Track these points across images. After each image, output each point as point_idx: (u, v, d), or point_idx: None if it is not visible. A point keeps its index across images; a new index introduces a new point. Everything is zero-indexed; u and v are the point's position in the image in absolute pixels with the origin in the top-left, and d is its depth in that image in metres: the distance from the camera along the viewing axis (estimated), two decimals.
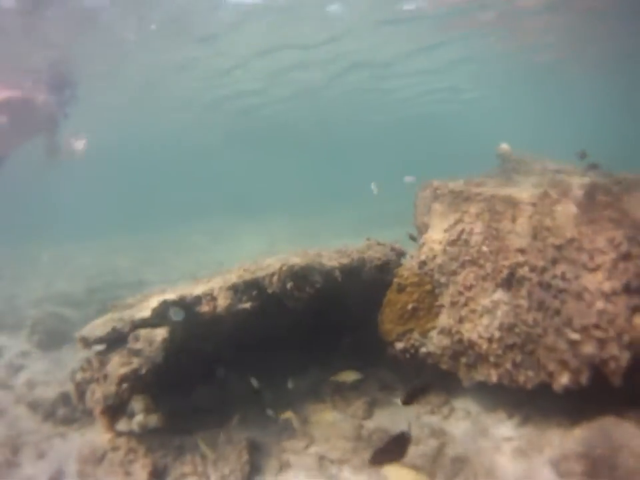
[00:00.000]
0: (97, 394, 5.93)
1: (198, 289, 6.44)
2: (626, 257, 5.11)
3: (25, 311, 13.77)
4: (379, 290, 6.68)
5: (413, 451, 6.02)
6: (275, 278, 6.32)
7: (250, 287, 6.42)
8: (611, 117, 51.89)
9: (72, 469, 6.19)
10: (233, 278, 6.46)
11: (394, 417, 6.58)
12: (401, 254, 7.18)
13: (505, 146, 8.57)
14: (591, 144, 9.02)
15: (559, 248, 5.38)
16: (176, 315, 6.04)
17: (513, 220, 5.82)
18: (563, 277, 5.32)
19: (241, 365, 6.98)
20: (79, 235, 33.44)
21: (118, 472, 5.72)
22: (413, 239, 7.55)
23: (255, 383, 6.38)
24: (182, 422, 6.54)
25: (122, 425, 6.33)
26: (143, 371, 5.92)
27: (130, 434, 6.16)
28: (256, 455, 6.18)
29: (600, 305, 5.06)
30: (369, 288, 6.71)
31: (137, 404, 6.69)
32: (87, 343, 6.18)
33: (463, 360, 6.05)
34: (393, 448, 4.71)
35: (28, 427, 7.41)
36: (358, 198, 39.50)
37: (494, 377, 5.78)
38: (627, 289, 5.08)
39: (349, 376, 6.23)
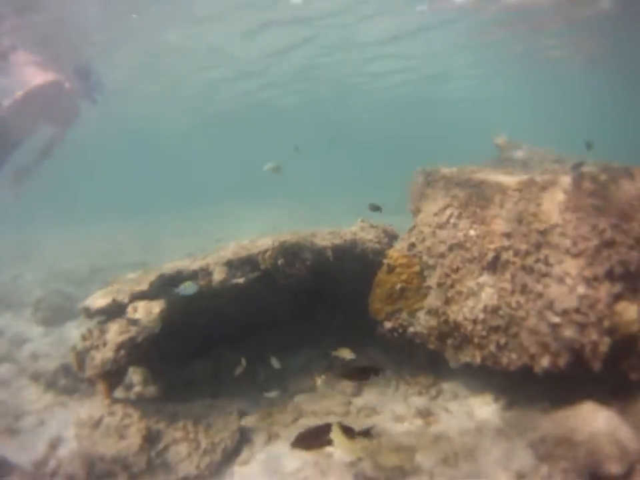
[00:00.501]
0: (96, 360, 6.04)
1: (194, 265, 6.57)
2: (609, 244, 5.14)
3: (30, 289, 14.08)
4: (371, 271, 6.75)
5: (397, 428, 6.11)
6: (268, 254, 6.45)
7: (244, 263, 6.58)
8: (613, 110, 50.94)
9: (71, 435, 6.33)
10: (228, 254, 6.61)
11: (382, 396, 6.67)
12: (393, 236, 7.26)
13: (502, 137, 8.57)
14: (593, 136, 8.97)
15: (542, 233, 5.40)
16: (188, 289, 6.12)
17: (500, 205, 5.84)
18: (546, 262, 5.34)
19: (236, 341, 7.08)
20: (86, 219, 33.97)
21: (113, 435, 5.83)
22: (374, 209, 7.54)
23: (243, 363, 6.45)
24: (177, 392, 6.69)
25: (120, 393, 6.58)
26: (140, 339, 6.06)
27: (126, 400, 6.39)
28: (245, 425, 6.31)
29: (581, 289, 5.08)
30: (361, 269, 6.80)
31: (135, 376, 6.90)
32: (88, 313, 6.38)
33: (450, 341, 6.10)
34: (320, 434, 4.67)
35: (30, 396, 7.62)
36: (363, 184, 39.49)
37: (478, 358, 5.82)
38: (610, 276, 5.11)
39: (346, 353, 6.29)
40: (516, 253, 5.58)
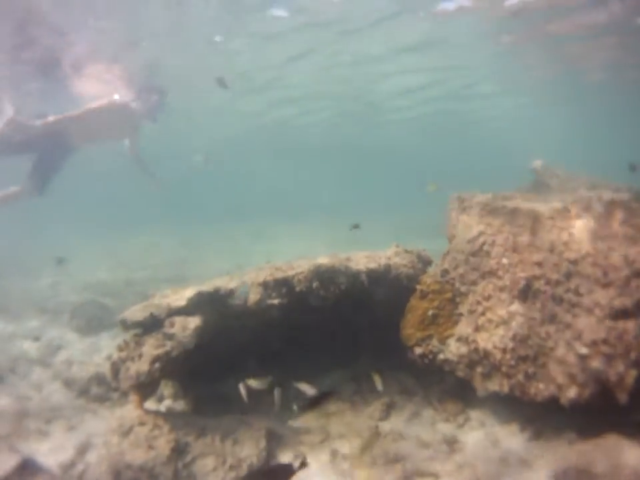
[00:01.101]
0: (131, 371, 6.19)
1: (232, 284, 6.70)
2: (639, 273, 5.03)
3: (67, 297, 14.43)
4: (405, 296, 6.74)
5: (422, 454, 6.03)
6: (303, 277, 6.57)
7: (280, 285, 6.70)
8: None
9: (99, 442, 6.43)
10: (264, 275, 6.70)
11: (409, 421, 6.60)
12: (427, 262, 7.24)
13: (538, 161, 8.49)
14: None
15: (573, 262, 5.33)
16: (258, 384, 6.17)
17: (533, 233, 5.79)
18: (576, 292, 5.27)
19: (269, 361, 7.11)
20: (130, 230, 34.71)
21: (142, 445, 5.92)
22: (354, 227, 7.55)
23: (277, 393, 6.45)
24: (207, 406, 6.76)
25: (151, 404, 6.66)
26: (174, 354, 6.20)
27: (157, 412, 6.49)
28: (273, 444, 6.30)
29: (609, 320, 4.99)
30: (394, 293, 6.79)
31: (167, 389, 6.99)
32: (126, 325, 6.53)
33: (479, 369, 6.03)
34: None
35: (62, 401, 7.75)
36: (403, 206, 39.09)
37: (506, 387, 5.74)
38: (639, 307, 4.99)
39: (306, 388, 6.21)
40: (547, 282, 5.52)
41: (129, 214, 54.60)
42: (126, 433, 6.07)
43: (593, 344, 5.05)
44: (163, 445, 5.90)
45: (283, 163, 63.44)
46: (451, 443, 6.15)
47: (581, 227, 5.44)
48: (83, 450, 6.48)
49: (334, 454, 6.12)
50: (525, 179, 8.62)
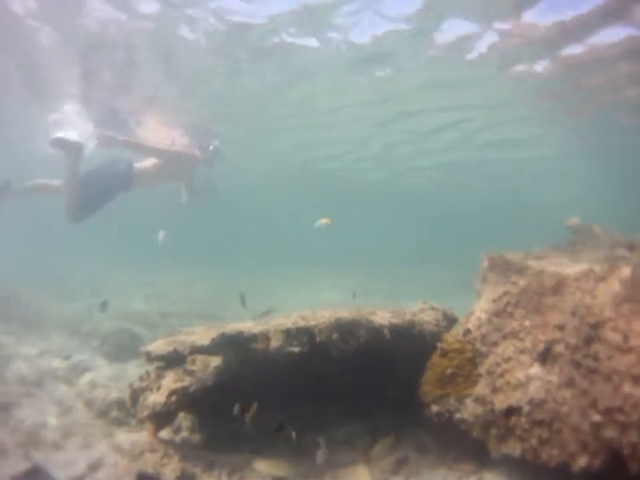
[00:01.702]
0: (148, 400, 6.40)
1: (256, 329, 6.77)
2: None
3: (101, 323, 14.57)
4: (427, 353, 6.58)
5: None
6: (323, 327, 6.53)
7: (301, 333, 6.70)
8: None
9: (112, 461, 6.40)
10: (288, 323, 6.76)
11: (420, 477, 6.34)
12: (452, 320, 7.10)
13: (574, 218, 8.27)
14: None
15: (594, 327, 5.13)
16: None
17: (557, 295, 5.63)
18: (595, 357, 5.05)
19: (286, 406, 7.02)
20: (173, 265, 35.03)
21: (151, 470, 5.92)
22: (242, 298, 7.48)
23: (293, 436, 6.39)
24: (219, 442, 6.72)
25: (166, 434, 6.77)
26: (192, 390, 6.36)
27: (170, 442, 6.56)
28: None
29: (627, 388, 4.75)
30: (417, 350, 6.64)
31: (185, 422, 7.02)
32: (149, 357, 6.76)
33: (493, 431, 5.79)
34: None
35: (81, 420, 7.79)
36: (443, 262, 38.02)
37: (518, 451, 5.48)
38: None
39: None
40: (567, 347, 5.32)
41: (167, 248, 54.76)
42: (137, 457, 6.14)
43: (608, 412, 4.81)
44: (169, 472, 5.90)
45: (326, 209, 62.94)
46: None
47: (604, 290, 5.27)
48: (94, 467, 6.39)
49: None
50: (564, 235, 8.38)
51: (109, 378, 9.73)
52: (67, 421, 7.66)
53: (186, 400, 6.34)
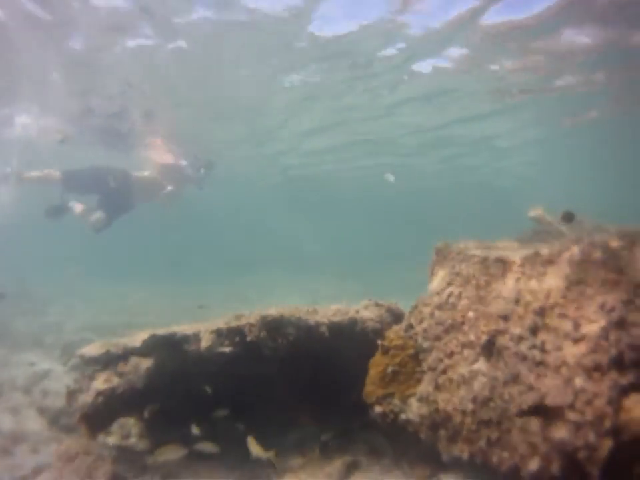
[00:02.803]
0: (79, 402, 5.68)
1: (189, 330, 5.81)
2: (619, 324, 3.74)
3: (65, 335, 14.08)
4: (372, 352, 5.60)
5: None
6: (252, 327, 5.56)
7: (233, 333, 5.69)
8: None
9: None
10: (220, 323, 5.77)
11: None
12: (398, 316, 5.93)
13: (537, 208, 7.20)
14: None
15: (540, 314, 4.14)
16: None
17: (502, 283, 4.70)
18: (542, 348, 4.08)
19: (234, 412, 6.08)
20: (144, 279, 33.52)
21: (83, 473, 5.27)
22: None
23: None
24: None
25: (113, 440, 6.22)
26: (120, 391, 5.55)
27: (106, 446, 5.87)
28: None
29: (578, 382, 3.80)
30: (362, 349, 5.64)
31: (134, 429, 6.23)
32: (83, 359, 5.92)
33: (442, 432, 4.80)
34: None
35: (33, 427, 7.26)
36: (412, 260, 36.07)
37: (466, 454, 4.49)
38: (618, 364, 3.71)
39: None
40: (511, 338, 4.35)
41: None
42: (70, 459, 5.41)
43: (557, 410, 3.86)
44: (100, 475, 5.19)
45: (297, 215, 59.71)
46: None
47: (552, 273, 4.31)
48: (37, 471, 5.85)
49: None
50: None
51: (63, 386, 8.91)
52: (18, 428, 7.20)
53: (115, 401, 5.51)
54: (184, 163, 15.02)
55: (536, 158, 31.83)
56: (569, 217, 4.85)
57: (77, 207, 12.74)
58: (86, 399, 5.49)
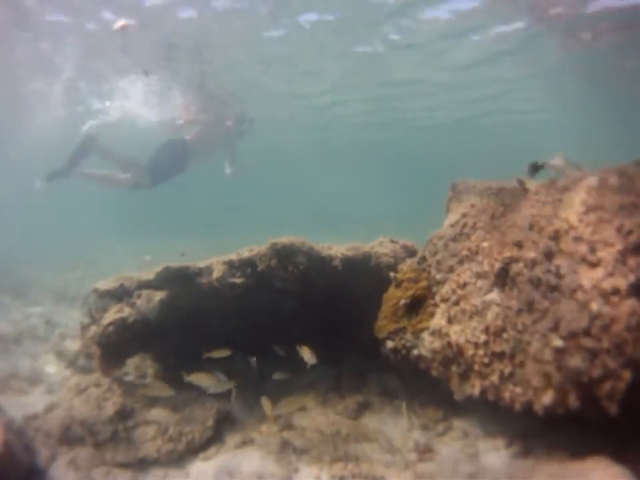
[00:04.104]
0: (90, 332, 5.26)
1: (202, 263, 5.37)
2: (637, 248, 3.18)
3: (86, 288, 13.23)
4: (388, 288, 5.03)
5: (382, 458, 4.30)
6: (262, 256, 5.05)
7: (245, 264, 5.19)
8: None
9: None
10: (232, 255, 5.29)
11: (382, 424, 4.83)
12: (413, 252, 5.36)
13: (558, 157, 6.34)
14: None
15: (554, 238, 3.53)
16: None
17: (516, 211, 4.05)
18: (557, 273, 3.46)
19: (249, 350, 5.63)
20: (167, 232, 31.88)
21: (92, 404, 4.85)
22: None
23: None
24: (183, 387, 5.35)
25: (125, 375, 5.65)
26: (130, 320, 5.08)
27: (117, 379, 5.31)
28: (224, 426, 4.87)
29: (594, 306, 3.17)
30: (378, 285, 5.08)
31: (151, 370, 5.78)
32: (98, 293, 5.47)
33: (454, 368, 4.23)
34: None
35: (51, 370, 6.83)
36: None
37: (477, 389, 3.91)
38: (636, 289, 3.14)
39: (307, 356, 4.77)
40: (525, 264, 3.74)
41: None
42: (81, 391, 5.03)
43: (572, 336, 3.25)
44: (109, 406, 4.77)
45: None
46: (422, 452, 4.34)
47: (568, 199, 3.66)
48: (51, 408, 5.32)
49: (285, 444, 4.50)
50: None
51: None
52: (37, 372, 6.74)
53: (126, 332, 5.06)
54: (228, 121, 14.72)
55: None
56: (535, 169, 4.14)
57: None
58: (97, 329, 5.10)
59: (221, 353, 4.90)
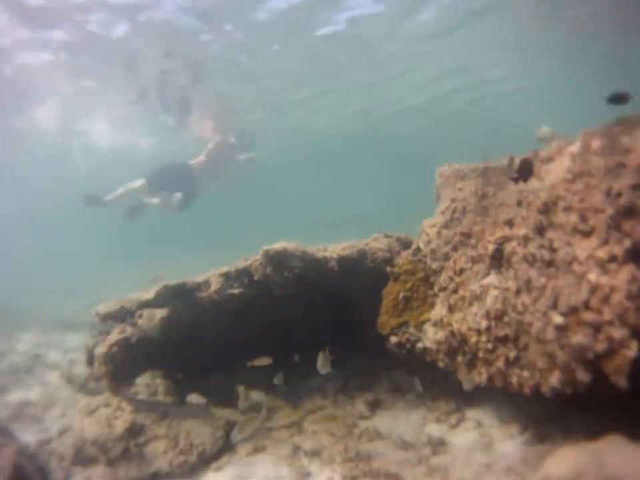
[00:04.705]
0: (96, 355, 5.09)
1: (200, 277, 5.18)
2: (629, 211, 2.87)
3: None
4: (385, 284, 4.77)
5: (396, 455, 4.02)
6: (257, 264, 4.83)
7: (241, 274, 5.02)
8: None
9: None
10: (228, 267, 5.14)
11: (394, 421, 4.55)
12: (408, 245, 5.04)
13: (545, 128, 5.99)
14: None
15: (544, 211, 3.26)
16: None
17: (504, 189, 3.78)
18: (550, 247, 3.18)
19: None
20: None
21: (102, 423, 4.68)
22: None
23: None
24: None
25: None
26: (133, 340, 4.94)
27: (125, 396, 5.11)
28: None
29: (592, 276, 2.88)
30: (375, 281, 4.82)
31: (161, 387, 5.57)
32: (100, 317, 5.36)
33: (460, 357, 3.96)
34: None
35: (62, 395, 6.63)
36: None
37: (484, 377, 3.63)
38: (635, 254, 2.84)
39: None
40: (518, 242, 3.47)
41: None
42: (91, 412, 4.85)
43: (572, 310, 2.97)
44: (120, 424, 4.61)
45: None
46: (436, 445, 4.07)
47: (552, 169, 3.39)
48: (63, 432, 5.23)
49: (296, 449, 4.27)
50: None
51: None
52: (50, 398, 6.54)
53: (130, 351, 4.92)
54: (231, 138, 14.77)
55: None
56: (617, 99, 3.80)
57: (154, 200, 12.50)
58: (101, 349, 4.94)
59: (263, 361, 4.72)
